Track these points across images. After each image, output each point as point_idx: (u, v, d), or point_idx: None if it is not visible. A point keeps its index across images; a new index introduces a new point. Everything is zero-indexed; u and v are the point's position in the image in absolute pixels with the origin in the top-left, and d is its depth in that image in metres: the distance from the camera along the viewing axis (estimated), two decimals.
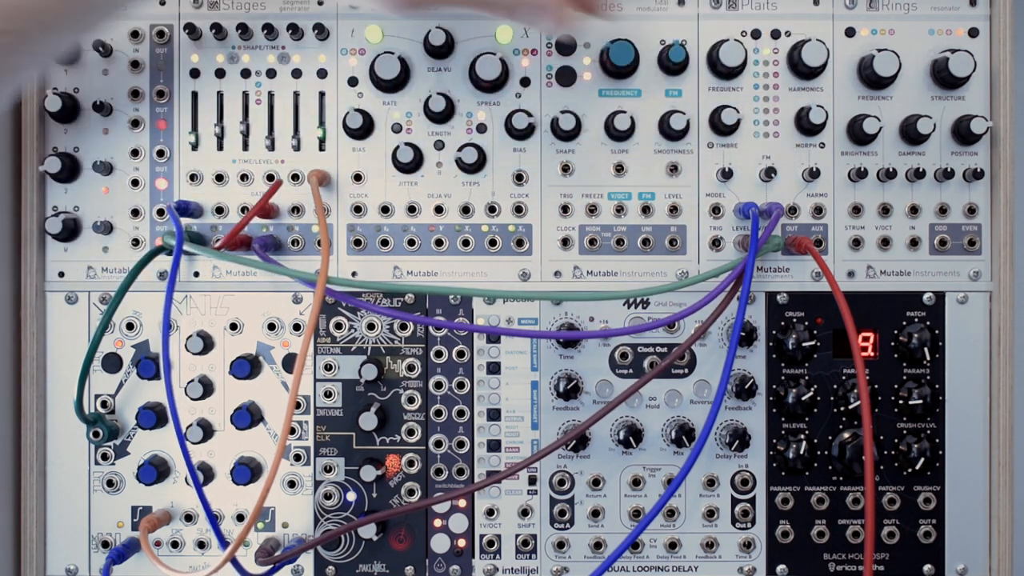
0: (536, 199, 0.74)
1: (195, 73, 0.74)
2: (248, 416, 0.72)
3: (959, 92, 0.73)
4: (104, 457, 0.74)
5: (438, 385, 0.74)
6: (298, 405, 0.74)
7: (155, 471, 0.72)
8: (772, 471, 0.74)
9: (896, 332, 0.74)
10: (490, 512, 0.74)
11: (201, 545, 0.74)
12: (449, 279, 0.74)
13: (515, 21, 0.66)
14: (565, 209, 0.74)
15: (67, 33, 0.57)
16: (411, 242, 0.74)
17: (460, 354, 0.74)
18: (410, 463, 0.74)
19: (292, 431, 0.74)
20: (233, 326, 0.74)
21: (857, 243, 0.73)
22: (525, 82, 0.74)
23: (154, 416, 0.72)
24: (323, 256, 0.66)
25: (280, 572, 0.72)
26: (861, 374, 0.64)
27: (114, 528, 0.74)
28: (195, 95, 0.74)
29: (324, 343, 0.74)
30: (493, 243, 0.74)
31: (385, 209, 0.74)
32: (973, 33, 0.74)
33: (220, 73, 0.74)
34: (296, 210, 0.74)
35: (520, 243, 0.74)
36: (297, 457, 0.74)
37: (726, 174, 0.73)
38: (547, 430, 0.74)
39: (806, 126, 0.72)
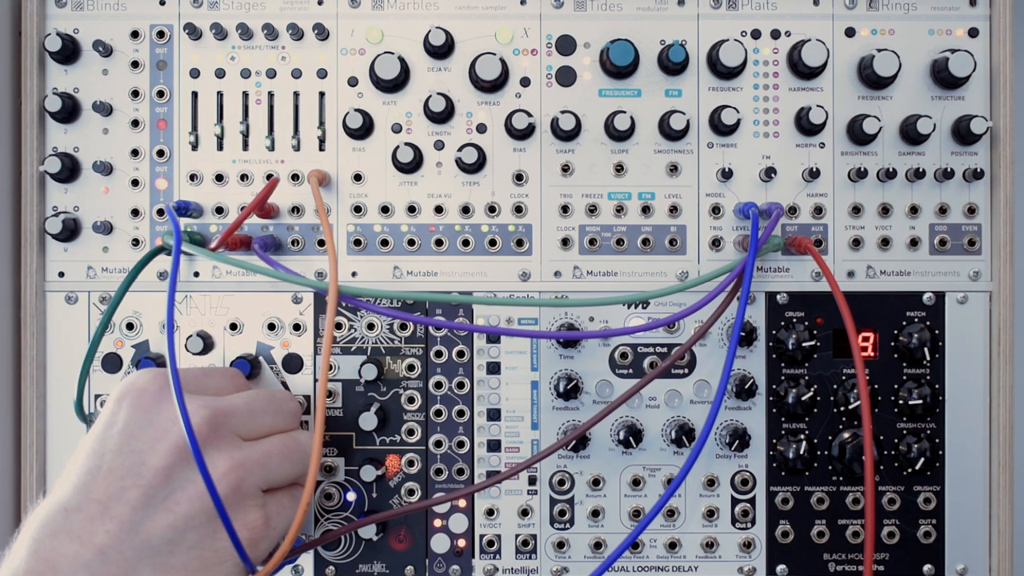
0: (536, 199, 0.74)
1: (195, 73, 0.74)
2: None
3: (959, 92, 0.74)
4: None
5: (438, 385, 0.74)
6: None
7: None
8: (772, 471, 0.74)
9: (896, 332, 0.74)
10: (490, 512, 0.74)
11: None
12: (449, 279, 0.74)
13: None
14: (565, 209, 0.74)
15: None
16: (411, 242, 0.74)
17: (460, 354, 0.74)
18: (410, 463, 0.74)
19: None
20: (233, 326, 0.74)
21: (857, 243, 0.73)
22: (525, 82, 0.74)
23: None
24: (331, 262, 0.65)
25: (280, 572, 0.72)
26: (861, 374, 0.64)
27: None
28: (195, 95, 0.74)
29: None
30: (493, 243, 0.74)
31: (385, 209, 0.74)
32: (973, 33, 0.74)
33: (220, 73, 0.74)
34: (296, 210, 0.74)
35: (520, 243, 0.74)
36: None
37: (726, 174, 0.73)
38: (547, 430, 0.74)
39: (806, 126, 0.72)
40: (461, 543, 0.74)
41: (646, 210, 0.73)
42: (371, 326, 0.74)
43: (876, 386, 0.73)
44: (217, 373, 0.66)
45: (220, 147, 0.74)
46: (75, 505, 0.55)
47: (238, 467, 0.58)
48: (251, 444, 0.60)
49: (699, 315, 0.73)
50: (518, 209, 0.74)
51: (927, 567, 0.74)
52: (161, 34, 0.74)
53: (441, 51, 0.73)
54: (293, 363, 0.74)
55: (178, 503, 0.55)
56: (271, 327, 0.74)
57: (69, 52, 0.72)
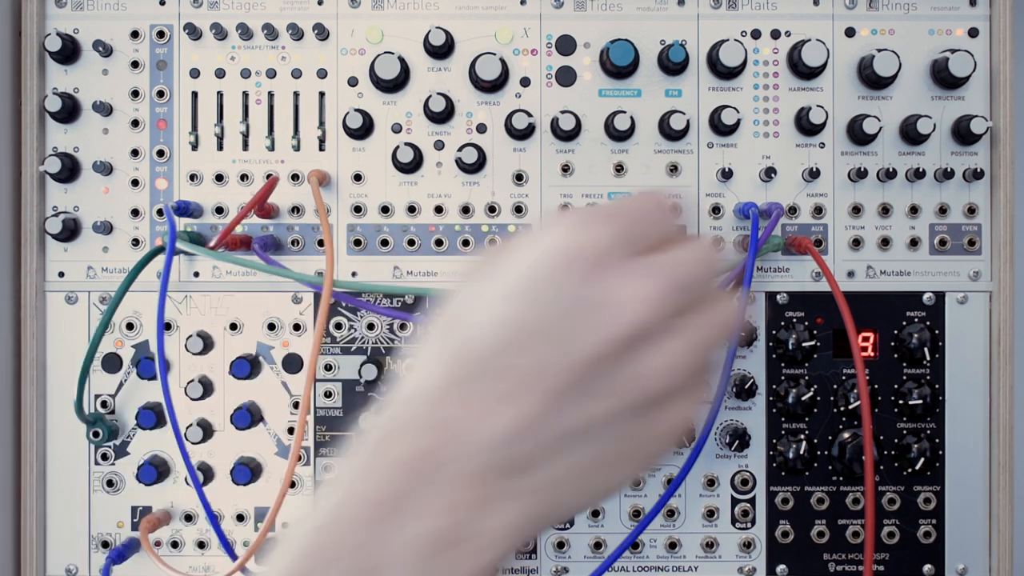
0: (536, 199, 0.74)
1: (195, 73, 0.74)
2: (248, 416, 0.72)
3: (959, 92, 0.73)
4: (104, 457, 0.74)
5: None
6: (296, 405, 0.74)
7: (155, 471, 0.72)
8: (772, 471, 0.74)
9: (896, 332, 0.73)
10: None
11: (201, 545, 0.74)
12: (449, 279, 0.74)
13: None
14: (565, 209, 0.74)
15: None
16: (411, 242, 0.74)
17: None
18: None
19: (290, 431, 0.74)
20: (233, 326, 0.74)
21: (857, 243, 0.73)
22: (525, 82, 0.74)
23: (154, 416, 0.72)
24: (328, 259, 0.65)
25: None
26: (861, 374, 0.64)
27: (114, 528, 0.74)
28: (195, 95, 0.74)
29: (324, 343, 0.74)
30: (493, 243, 0.74)
31: (385, 209, 0.74)
32: (973, 33, 0.74)
33: (220, 73, 0.74)
34: (296, 210, 0.74)
35: None
36: (297, 457, 0.74)
37: (726, 174, 0.73)
38: None
39: (806, 126, 0.72)
40: None
41: None
42: (371, 326, 0.74)
43: (876, 386, 0.73)
44: (647, 209, 0.51)
45: (220, 147, 0.74)
46: (494, 375, 0.46)
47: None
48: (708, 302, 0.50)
49: None
50: (518, 209, 0.74)
51: (927, 567, 0.74)
52: (161, 34, 0.74)
53: (441, 51, 0.73)
54: (293, 363, 0.74)
55: (604, 394, 0.48)
56: (271, 327, 0.74)
57: (69, 52, 0.72)
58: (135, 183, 0.74)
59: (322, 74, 0.74)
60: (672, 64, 0.72)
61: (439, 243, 0.74)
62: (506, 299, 0.48)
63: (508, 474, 0.46)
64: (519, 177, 0.74)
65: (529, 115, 0.72)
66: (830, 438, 0.74)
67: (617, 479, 0.51)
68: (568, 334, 0.48)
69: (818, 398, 0.73)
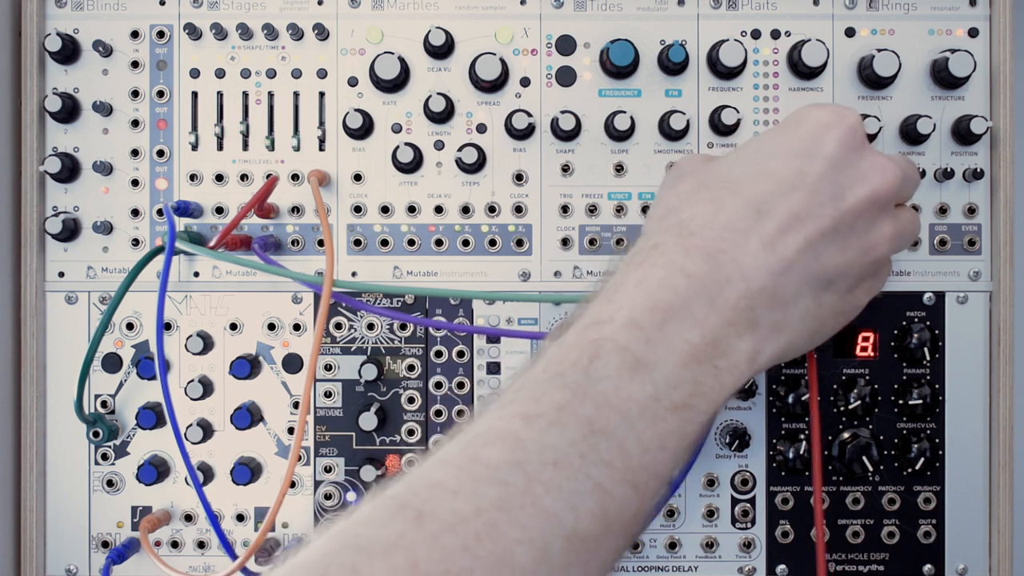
0: (536, 199, 0.74)
1: (195, 73, 0.74)
2: (248, 416, 0.72)
3: (959, 92, 0.73)
4: (104, 457, 0.74)
5: (438, 385, 0.74)
6: (296, 405, 0.74)
7: (155, 471, 0.72)
8: (772, 471, 0.74)
9: (896, 332, 0.73)
10: None
11: (201, 545, 0.74)
12: (449, 279, 0.74)
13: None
14: (565, 209, 0.74)
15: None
16: (411, 242, 0.74)
17: (460, 354, 0.74)
18: (410, 463, 0.74)
19: (290, 431, 0.74)
20: (233, 326, 0.74)
21: None
22: (525, 82, 0.74)
23: (154, 416, 0.72)
24: (328, 259, 0.65)
25: None
26: (813, 372, 0.64)
27: (114, 528, 0.74)
28: (195, 95, 0.74)
29: (324, 343, 0.74)
30: (493, 243, 0.74)
31: (385, 209, 0.74)
32: (973, 33, 0.74)
33: (220, 73, 0.74)
34: (296, 210, 0.74)
35: (520, 243, 0.74)
36: (297, 457, 0.74)
37: None
38: None
39: None
40: None
41: (646, 210, 0.73)
42: (371, 326, 0.74)
43: (876, 386, 0.73)
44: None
45: (220, 147, 0.74)
46: (768, 210, 0.52)
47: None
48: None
49: None
50: (518, 209, 0.74)
51: (927, 567, 0.74)
52: (161, 34, 0.74)
53: (441, 51, 0.73)
54: (293, 363, 0.74)
55: (851, 247, 0.54)
56: (271, 327, 0.74)
57: (69, 52, 0.72)
58: (135, 183, 0.74)
59: (322, 74, 0.74)
60: (672, 64, 0.72)
61: (439, 243, 0.74)
62: (793, 151, 0.55)
63: (771, 304, 0.51)
64: (519, 177, 0.74)
65: (529, 115, 0.72)
66: (830, 438, 0.73)
67: (828, 332, 0.57)
68: (839, 185, 0.54)
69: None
